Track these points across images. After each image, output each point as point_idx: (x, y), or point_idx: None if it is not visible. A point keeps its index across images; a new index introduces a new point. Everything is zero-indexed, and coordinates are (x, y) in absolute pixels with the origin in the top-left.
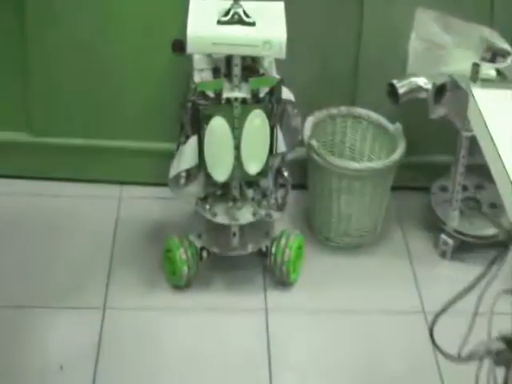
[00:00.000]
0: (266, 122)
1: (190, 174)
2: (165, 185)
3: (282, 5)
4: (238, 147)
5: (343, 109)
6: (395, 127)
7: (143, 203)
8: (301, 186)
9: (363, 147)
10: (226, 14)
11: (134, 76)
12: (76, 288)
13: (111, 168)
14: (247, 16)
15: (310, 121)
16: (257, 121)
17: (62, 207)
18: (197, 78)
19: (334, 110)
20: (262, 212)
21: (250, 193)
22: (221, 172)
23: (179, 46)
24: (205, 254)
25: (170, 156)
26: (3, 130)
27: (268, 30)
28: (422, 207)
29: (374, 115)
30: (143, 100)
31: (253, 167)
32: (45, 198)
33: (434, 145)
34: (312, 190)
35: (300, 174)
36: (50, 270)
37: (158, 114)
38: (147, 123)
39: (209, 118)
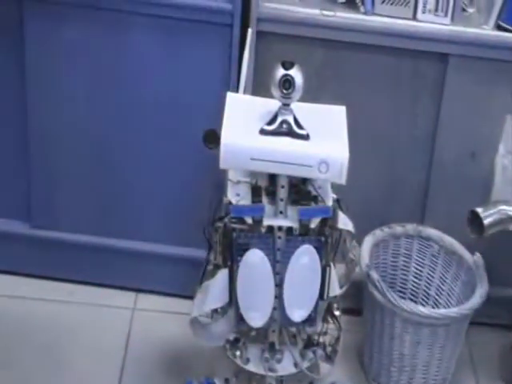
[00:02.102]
0: (317, 260)
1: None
2: (186, 297)
3: (343, 111)
4: (280, 284)
5: (410, 227)
6: (474, 259)
7: (160, 319)
8: (353, 310)
9: (432, 275)
10: (272, 121)
11: (156, 170)
12: None
13: (125, 272)
14: (299, 126)
15: (368, 241)
16: (305, 259)
17: (63, 315)
18: (230, 192)
19: (398, 229)
20: (307, 364)
21: (291, 337)
22: (257, 316)
23: (213, 138)
24: None
25: (193, 264)
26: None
27: (325, 146)
28: (503, 351)
29: (447, 239)
30: (165, 198)
31: (297, 314)
32: (44, 302)
33: None
34: (369, 328)
35: (353, 297)
36: None
37: (181, 215)
38: (168, 225)
39: (244, 248)
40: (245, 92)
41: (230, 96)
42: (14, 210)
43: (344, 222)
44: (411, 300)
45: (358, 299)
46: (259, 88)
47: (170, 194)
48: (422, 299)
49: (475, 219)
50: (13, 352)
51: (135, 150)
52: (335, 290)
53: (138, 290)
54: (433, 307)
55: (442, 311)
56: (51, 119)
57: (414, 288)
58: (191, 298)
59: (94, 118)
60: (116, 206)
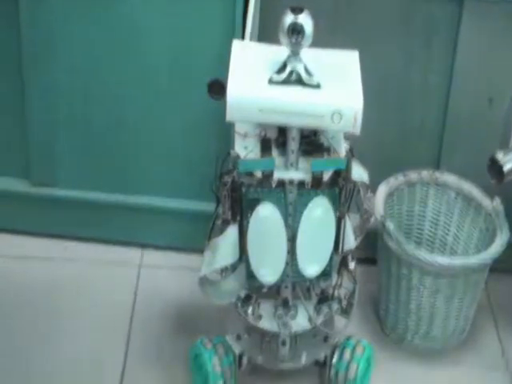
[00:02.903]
0: (331, 212)
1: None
2: (193, 251)
3: (356, 56)
4: (292, 239)
5: (425, 174)
6: (493, 205)
7: (167, 274)
8: (368, 260)
9: (448, 223)
10: (281, 69)
11: (159, 120)
12: None
13: (130, 228)
14: (309, 74)
15: (382, 191)
16: (318, 212)
17: (67, 274)
18: (238, 146)
19: (413, 176)
20: (321, 319)
21: (305, 292)
22: (269, 273)
23: (218, 88)
24: (245, 360)
25: (200, 217)
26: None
27: (338, 94)
28: None
29: (464, 184)
30: (169, 151)
31: (311, 269)
32: (47, 261)
33: None
34: (384, 279)
35: (367, 246)
36: (48, 363)
37: (187, 168)
38: (174, 178)
39: (255, 203)
40: (251, 39)
41: (236, 43)
42: (13, 167)
43: (358, 173)
44: (427, 249)
45: (372, 248)
46: (266, 34)
47: (174, 147)
48: (439, 248)
49: (495, 165)
50: (14, 313)
51: (138, 102)
52: (350, 242)
53: (144, 246)
54: (450, 256)
55: (461, 261)
56: (49, 75)
57: (430, 237)
58: (199, 251)
59: (93, 73)
60: (119, 160)
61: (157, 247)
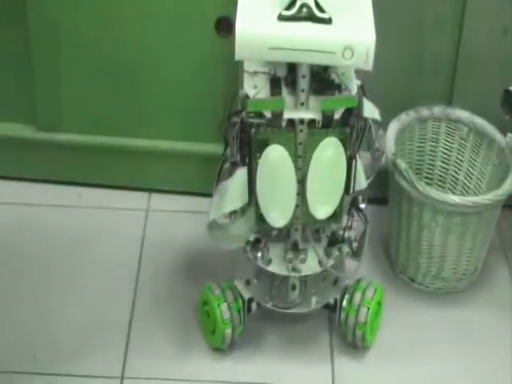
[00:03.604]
0: (342, 152)
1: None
2: (202, 195)
3: None
4: (302, 181)
5: (437, 110)
6: (507, 140)
7: (175, 218)
8: (378, 200)
9: (460, 159)
10: (291, 5)
11: (166, 60)
12: (83, 349)
13: (137, 172)
14: (320, 9)
15: (393, 128)
16: (329, 152)
17: (73, 220)
18: (247, 85)
19: (424, 112)
20: (332, 262)
21: (315, 234)
22: (278, 215)
23: (226, 26)
24: (254, 306)
25: (207, 160)
26: (4, 121)
27: (349, 30)
28: None
29: (477, 120)
30: (177, 91)
31: (322, 211)
32: (52, 208)
33: None
34: (395, 219)
35: (377, 185)
36: (50, 317)
37: (193, 110)
38: (181, 120)
39: (263, 144)
40: None
41: None
42: (18, 112)
43: (370, 110)
44: (439, 186)
45: (382, 187)
46: None
47: (182, 88)
48: (450, 184)
49: (509, 99)
50: (20, 263)
51: (144, 43)
52: (361, 183)
53: (151, 190)
54: (462, 193)
55: (475, 199)
56: (55, 16)
57: (441, 173)
58: (207, 195)
59: (100, 15)
60: (125, 103)
61: (164, 191)
